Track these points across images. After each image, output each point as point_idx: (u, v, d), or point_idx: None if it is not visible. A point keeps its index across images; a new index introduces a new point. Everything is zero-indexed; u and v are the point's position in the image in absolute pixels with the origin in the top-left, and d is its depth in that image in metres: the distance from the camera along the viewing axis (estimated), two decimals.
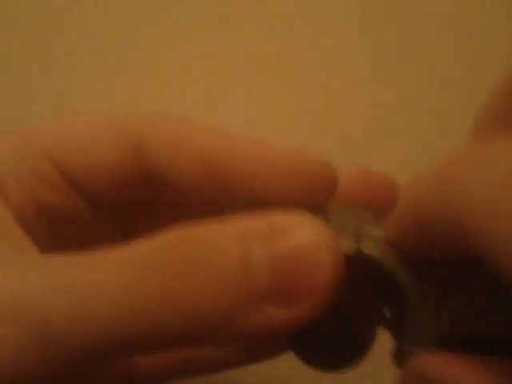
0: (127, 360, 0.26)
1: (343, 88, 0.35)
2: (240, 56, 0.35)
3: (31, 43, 0.36)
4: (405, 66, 0.35)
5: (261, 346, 0.26)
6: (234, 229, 0.20)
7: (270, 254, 0.19)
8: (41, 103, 0.35)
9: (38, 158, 0.24)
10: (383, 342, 0.22)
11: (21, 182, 0.24)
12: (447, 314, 0.20)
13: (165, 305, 0.19)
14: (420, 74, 0.35)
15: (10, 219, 0.23)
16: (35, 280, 0.19)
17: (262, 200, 0.23)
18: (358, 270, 0.21)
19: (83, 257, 0.20)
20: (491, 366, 0.18)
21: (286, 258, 0.19)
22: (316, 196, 0.23)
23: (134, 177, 0.24)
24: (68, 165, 0.24)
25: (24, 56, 0.36)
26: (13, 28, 0.36)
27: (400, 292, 0.20)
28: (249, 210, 0.20)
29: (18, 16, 0.36)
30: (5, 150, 0.24)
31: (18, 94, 0.36)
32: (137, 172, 0.24)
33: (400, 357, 0.20)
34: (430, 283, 0.20)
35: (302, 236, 0.19)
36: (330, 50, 0.35)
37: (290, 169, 0.23)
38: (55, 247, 0.22)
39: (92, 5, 0.36)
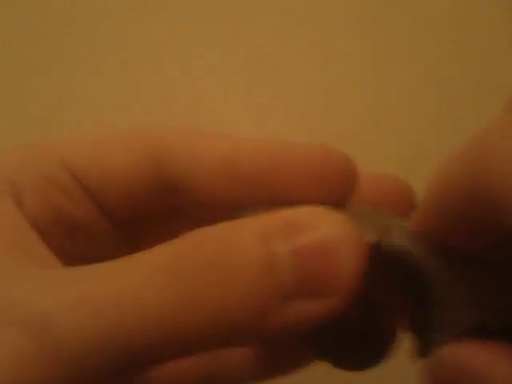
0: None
1: (343, 88, 0.35)
2: (240, 56, 0.35)
3: (31, 43, 0.36)
4: (405, 65, 0.35)
5: (284, 356, 0.26)
6: (255, 226, 0.20)
7: (293, 249, 0.19)
8: (41, 103, 0.35)
9: (55, 166, 0.24)
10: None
11: (37, 190, 0.23)
12: (477, 304, 0.20)
13: (195, 310, 0.19)
14: (420, 74, 0.35)
15: (29, 230, 0.22)
16: (64, 297, 0.19)
17: (284, 201, 0.23)
18: (383, 261, 0.21)
19: (107, 269, 0.20)
20: None
21: (309, 252, 0.19)
22: (337, 192, 0.23)
23: (150, 187, 0.24)
24: (84, 174, 0.24)
25: (24, 56, 0.36)
26: (13, 28, 0.36)
27: (428, 281, 0.20)
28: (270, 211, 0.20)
29: (17, 16, 0.36)
30: (20, 159, 0.24)
31: (18, 94, 0.36)
32: (153, 182, 0.24)
33: (426, 347, 0.20)
34: (459, 272, 0.20)
35: (325, 229, 0.19)
36: (329, 50, 0.35)
37: (310, 166, 0.23)
38: (67, 256, 0.22)
39: (92, 5, 0.36)
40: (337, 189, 0.23)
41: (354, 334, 0.21)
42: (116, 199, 0.24)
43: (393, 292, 0.22)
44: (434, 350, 0.19)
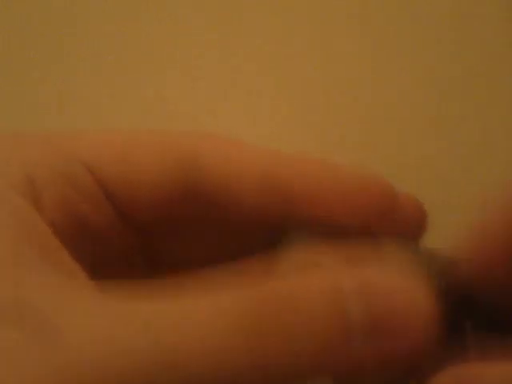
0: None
1: (343, 88, 0.35)
2: (240, 56, 0.35)
3: (31, 43, 0.36)
4: (405, 66, 0.35)
5: None
6: (325, 286, 0.19)
7: (368, 315, 0.19)
8: (41, 103, 0.35)
9: (76, 167, 0.23)
10: None
11: (55, 189, 0.22)
12: None
13: (266, 367, 0.18)
14: (420, 74, 0.35)
15: (50, 233, 0.21)
16: (122, 339, 0.18)
17: (321, 222, 0.23)
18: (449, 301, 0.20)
19: (168, 309, 0.19)
20: None
21: (384, 321, 0.19)
22: (375, 217, 0.23)
23: (178, 197, 0.23)
24: (107, 177, 0.23)
25: (24, 56, 0.36)
26: (13, 28, 0.36)
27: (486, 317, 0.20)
28: (309, 233, 0.20)
29: (18, 16, 0.36)
30: (39, 158, 0.23)
31: (18, 94, 0.36)
32: (182, 193, 0.23)
33: None
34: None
35: (401, 299, 0.19)
36: (329, 51, 0.35)
37: (354, 191, 0.23)
38: (81, 261, 0.22)
39: (92, 5, 0.36)
40: (375, 215, 0.23)
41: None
42: (138, 205, 0.24)
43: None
44: None
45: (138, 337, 0.18)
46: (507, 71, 0.34)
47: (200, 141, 0.24)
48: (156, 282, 0.19)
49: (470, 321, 0.21)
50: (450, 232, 0.22)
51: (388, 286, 0.19)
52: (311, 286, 0.19)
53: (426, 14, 0.35)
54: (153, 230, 0.25)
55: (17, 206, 0.21)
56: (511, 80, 0.34)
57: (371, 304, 0.19)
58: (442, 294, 0.20)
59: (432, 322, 0.19)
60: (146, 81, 0.35)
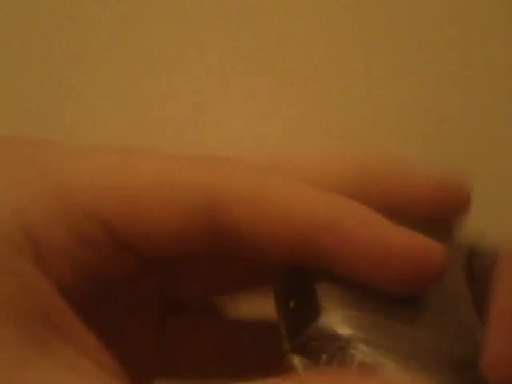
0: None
1: (343, 88, 0.35)
2: (240, 56, 0.35)
3: (31, 43, 0.36)
4: (405, 66, 0.35)
5: None
6: None
7: None
8: (41, 103, 0.35)
9: (84, 216, 0.20)
10: None
11: (63, 248, 0.20)
12: None
13: None
14: (420, 74, 0.35)
15: (56, 297, 0.19)
16: None
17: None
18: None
19: None
20: None
21: None
22: (447, 218, 0.22)
23: (199, 238, 0.21)
24: (121, 228, 0.20)
25: (24, 56, 0.36)
26: (13, 28, 0.36)
27: None
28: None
29: (18, 16, 0.36)
30: (38, 206, 0.19)
31: (18, 94, 0.36)
32: (204, 234, 0.21)
33: None
34: None
35: None
36: (329, 51, 0.35)
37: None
38: (85, 302, 0.20)
39: (92, 5, 0.36)
40: (448, 216, 0.22)
41: None
42: (156, 252, 0.21)
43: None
44: None
45: None
46: (507, 71, 0.34)
47: (223, 179, 0.21)
48: None
49: None
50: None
51: None
52: None
53: (425, 14, 0.35)
54: (164, 262, 0.23)
55: (19, 271, 0.18)
56: (511, 80, 0.34)
57: None
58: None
59: None
60: (145, 81, 0.35)
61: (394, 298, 0.20)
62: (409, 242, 0.20)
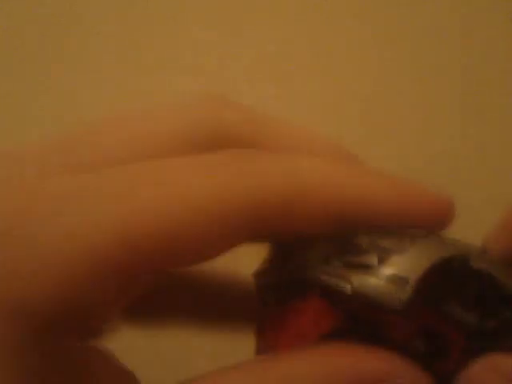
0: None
1: (343, 88, 0.35)
2: (240, 56, 0.35)
3: (32, 44, 0.36)
4: (405, 66, 0.35)
5: None
6: None
7: None
8: (41, 104, 0.36)
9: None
10: None
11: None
12: None
13: None
14: (420, 74, 0.35)
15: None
16: None
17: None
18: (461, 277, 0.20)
19: None
20: None
21: None
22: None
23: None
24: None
25: (24, 57, 0.36)
26: (13, 29, 0.36)
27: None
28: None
29: (18, 16, 0.36)
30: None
31: (18, 94, 0.36)
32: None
33: None
34: None
35: None
36: (329, 51, 0.35)
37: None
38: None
39: (92, 5, 0.36)
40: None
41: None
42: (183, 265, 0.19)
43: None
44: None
45: None
46: (507, 71, 0.34)
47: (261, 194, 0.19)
48: None
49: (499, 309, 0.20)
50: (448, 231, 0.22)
51: None
52: None
53: (426, 14, 0.35)
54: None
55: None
56: (511, 80, 0.34)
57: None
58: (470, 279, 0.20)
59: None
60: (145, 81, 0.35)
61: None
62: (428, 191, 0.22)
